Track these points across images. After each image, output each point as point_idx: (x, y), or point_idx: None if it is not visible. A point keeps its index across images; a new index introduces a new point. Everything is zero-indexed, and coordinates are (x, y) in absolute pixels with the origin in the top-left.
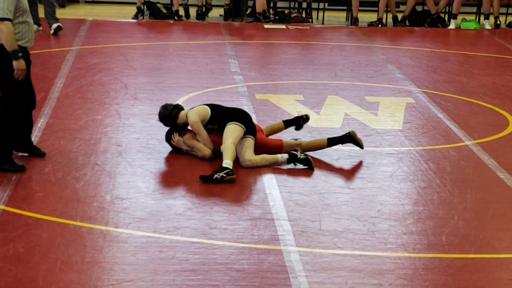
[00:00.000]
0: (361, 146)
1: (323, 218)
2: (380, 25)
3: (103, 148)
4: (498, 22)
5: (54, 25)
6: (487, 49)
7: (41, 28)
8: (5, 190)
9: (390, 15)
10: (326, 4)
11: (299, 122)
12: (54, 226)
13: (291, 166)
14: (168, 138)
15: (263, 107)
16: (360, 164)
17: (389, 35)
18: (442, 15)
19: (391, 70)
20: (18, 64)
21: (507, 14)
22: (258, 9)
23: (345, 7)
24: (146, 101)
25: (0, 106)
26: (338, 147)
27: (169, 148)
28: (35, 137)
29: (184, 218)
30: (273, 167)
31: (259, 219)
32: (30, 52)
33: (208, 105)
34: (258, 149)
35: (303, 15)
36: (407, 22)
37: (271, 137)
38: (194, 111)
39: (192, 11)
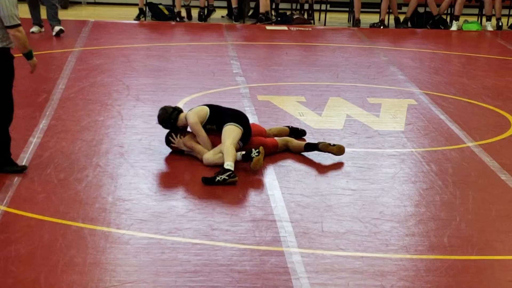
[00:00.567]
0: (337, 154)
1: (325, 220)
2: (382, 27)
3: (105, 150)
4: (500, 24)
5: (57, 28)
6: (489, 51)
7: (43, 29)
8: (7, 191)
9: (392, 17)
10: (328, 5)
11: (300, 134)
12: (56, 228)
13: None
14: (168, 140)
15: (265, 108)
16: (362, 166)
17: (391, 36)
18: (444, 16)
19: (393, 72)
20: (33, 62)
21: (509, 15)
22: (262, 9)
23: (347, 9)
24: (148, 103)
25: None
26: None
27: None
28: (37, 139)
29: (186, 220)
30: (274, 167)
31: (261, 220)
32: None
33: (206, 105)
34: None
35: (305, 16)
36: (409, 23)
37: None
38: (193, 112)
39: (194, 13)
